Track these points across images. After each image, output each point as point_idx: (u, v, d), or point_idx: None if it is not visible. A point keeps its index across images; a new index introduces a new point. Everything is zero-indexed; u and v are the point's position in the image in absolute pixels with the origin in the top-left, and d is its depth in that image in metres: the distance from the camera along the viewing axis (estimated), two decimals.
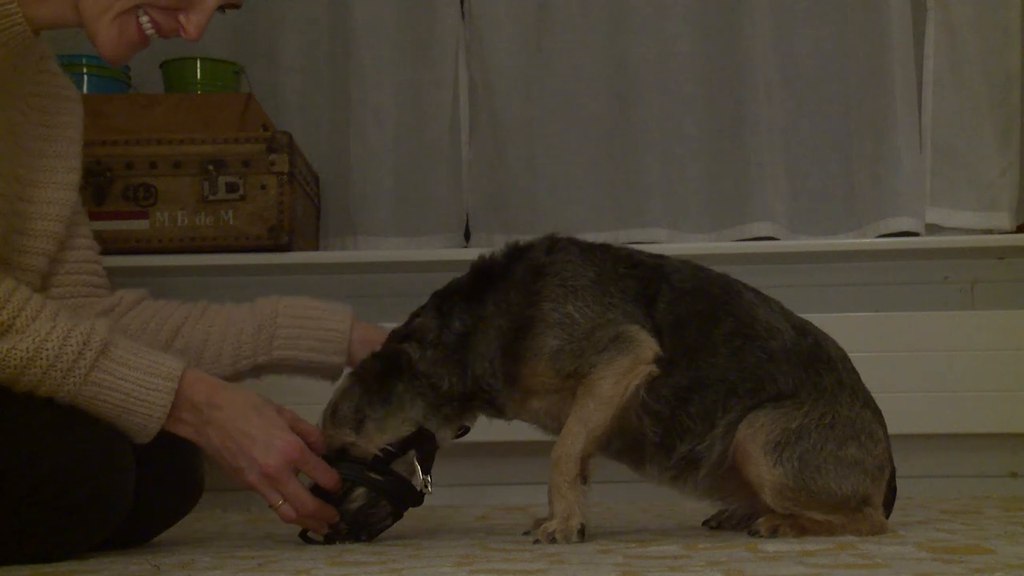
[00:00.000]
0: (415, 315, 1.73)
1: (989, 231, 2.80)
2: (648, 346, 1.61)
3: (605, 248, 1.73)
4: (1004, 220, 2.80)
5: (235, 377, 1.83)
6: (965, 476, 2.65)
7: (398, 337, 1.71)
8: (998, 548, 1.40)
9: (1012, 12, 2.81)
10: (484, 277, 1.71)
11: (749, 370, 1.64)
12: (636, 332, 1.61)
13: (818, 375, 1.64)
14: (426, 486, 1.66)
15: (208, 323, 1.82)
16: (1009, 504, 2.26)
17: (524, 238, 1.76)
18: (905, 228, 2.73)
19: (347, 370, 1.82)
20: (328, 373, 1.87)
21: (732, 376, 1.63)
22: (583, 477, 1.59)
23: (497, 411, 1.71)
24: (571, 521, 1.56)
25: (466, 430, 1.75)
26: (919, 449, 2.56)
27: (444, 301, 1.71)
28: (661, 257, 1.74)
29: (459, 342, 1.67)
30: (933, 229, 2.81)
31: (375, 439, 1.65)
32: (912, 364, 2.57)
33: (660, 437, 1.64)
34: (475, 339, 1.66)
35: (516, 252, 1.72)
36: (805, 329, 1.71)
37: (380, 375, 1.65)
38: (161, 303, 1.86)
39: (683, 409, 1.63)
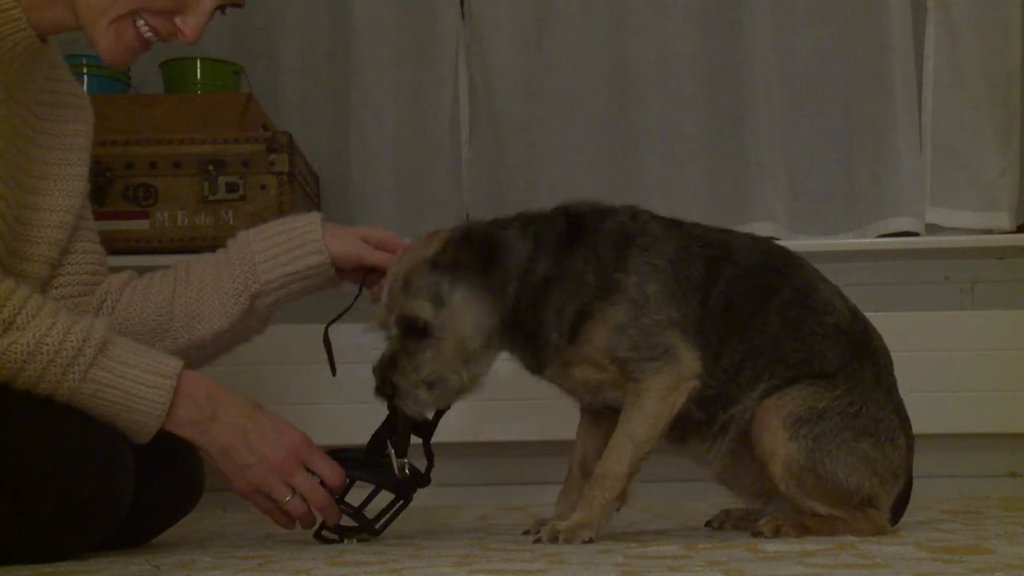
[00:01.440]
0: (498, 223, 1.66)
1: (989, 231, 2.79)
2: (688, 365, 1.60)
3: (678, 224, 1.72)
4: (1004, 220, 2.80)
5: (242, 320, 1.80)
6: (965, 476, 2.65)
7: (491, 223, 1.66)
8: (998, 548, 1.40)
9: (1012, 12, 2.81)
10: (576, 225, 1.65)
11: (803, 340, 1.64)
12: (681, 351, 1.60)
13: (860, 365, 1.65)
14: (405, 469, 1.65)
15: (197, 280, 1.80)
16: (1009, 504, 2.26)
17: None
18: (905, 228, 2.73)
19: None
20: (320, 278, 1.81)
21: (784, 344, 1.63)
22: (622, 498, 1.59)
23: (535, 360, 1.65)
24: (582, 531, 1.55)
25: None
26: (919, 449, 2.53)
27: (540, 231, 1.64)
28: (728, 233, 1.74)
29: (543, 284, 1.61)
30: (933, 229, 2.80)
31: (454, 323, 1.59)
32: (912, 364, 2.55)
33: (706, 415, 1.65)
34: (555, 291, 1.61)
35: (600, 211, 1.68)
36: (857, 315, 1.72)
37: (481, 263, 1.59)
38: (146, 279, 1.83)
39: (733, 382, 1.63)
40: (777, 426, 1.58)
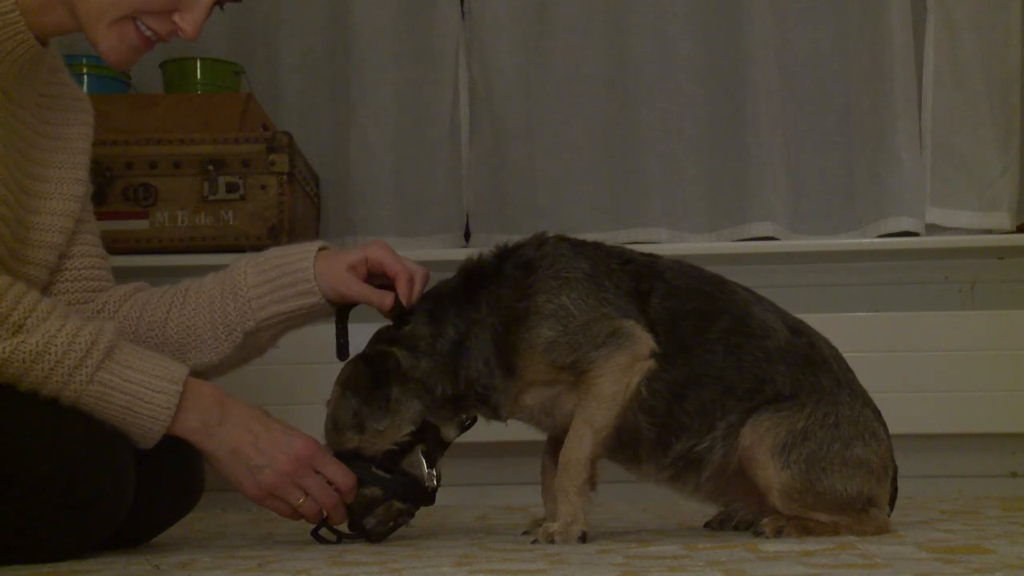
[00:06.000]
0: (403, 321, 1.70)
1: (989, 231, 2.79)
2: (644, 342, 1.60)
3: (596, 245, 1.72)
4: (1004, 220, 2.80)
5: (236, 352, 1.77)
6: (965, 476, 2.65)
7: (385, 339, 1.68)
8: (998, 548, 1.40)
9: (1012, 12, 2.81)
10: (474, 279, 1.69)
11: (747, 369, 1.63)
12: (632, 328, 1.60)
13: (815, 376, 1.64)
14: (433, 480, 1.66)
15: (192, 307, 1.76)
16: (1009, 504, 2.26)
17: (513, 239, 1.74)
18: (905, 228, 2.74)
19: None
20: (318, 313, 1.77)
21: (729, 375, 1.63)
22: (591, 482, 1.59)
23: (492, 411, 1.68)
24: (573, 527, 1.56)
25: (472, 421, 1.73)
26: (919, 449, 2.56)
27: (436, 306, 1.68)
28: (653, 256, 1.74)
29: (454, 349, 1.65)
30: (933, 229, 2.80)
31: (378, 440, 1.64)
32: (912, 364, 2.57)
33: (656, 434, 1.64)
34: (469, 343, 1.64)
35: (505, 252, 1.71)
36: (798, 329, 1.70)
37: (371, 381, 1.63)
38: (147, 295, 1.81)
39: (679, 405, 1.62)
40: (766, 459, 1.58)
